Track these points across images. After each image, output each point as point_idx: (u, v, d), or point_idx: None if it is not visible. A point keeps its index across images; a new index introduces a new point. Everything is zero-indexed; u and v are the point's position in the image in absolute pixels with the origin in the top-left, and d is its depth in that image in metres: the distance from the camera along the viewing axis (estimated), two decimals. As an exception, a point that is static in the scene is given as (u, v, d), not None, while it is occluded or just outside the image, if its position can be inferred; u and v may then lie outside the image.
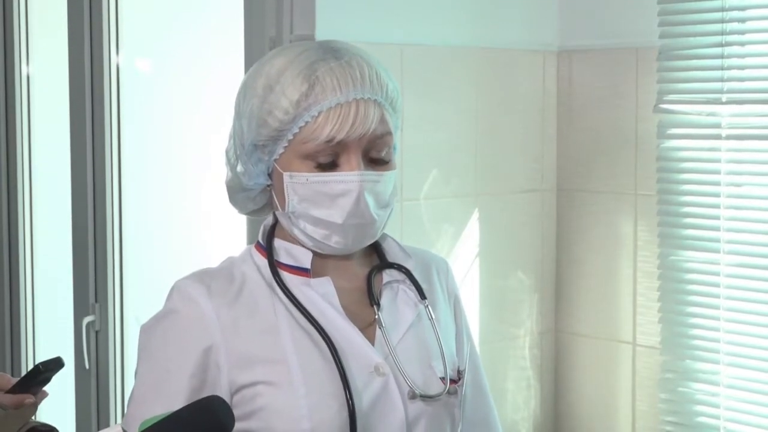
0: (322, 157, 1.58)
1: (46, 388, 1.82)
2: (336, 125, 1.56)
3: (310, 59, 1.59)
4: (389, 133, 1.61)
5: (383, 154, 1.61)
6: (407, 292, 1.69)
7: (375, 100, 1.59)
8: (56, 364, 1.78)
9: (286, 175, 1.60)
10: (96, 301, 3.28)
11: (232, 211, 1.76)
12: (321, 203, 1.59)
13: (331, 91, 1.56)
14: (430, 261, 1.79)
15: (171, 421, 1.30)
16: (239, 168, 1.65)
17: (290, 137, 1.58)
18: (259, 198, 1.70)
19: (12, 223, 3.59)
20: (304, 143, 1.58)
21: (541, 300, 3.06)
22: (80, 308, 3.30)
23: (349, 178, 1.57)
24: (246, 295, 1.63)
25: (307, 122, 1.57)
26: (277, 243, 1.66)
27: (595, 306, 3.00)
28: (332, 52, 1.61)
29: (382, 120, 1.60)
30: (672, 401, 2.81)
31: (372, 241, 1.66)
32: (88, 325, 3.27)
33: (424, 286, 1.70)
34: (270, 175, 1.64)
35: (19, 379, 1.79)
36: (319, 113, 1.56)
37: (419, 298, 1.69)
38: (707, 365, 2.75)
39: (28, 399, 1.75)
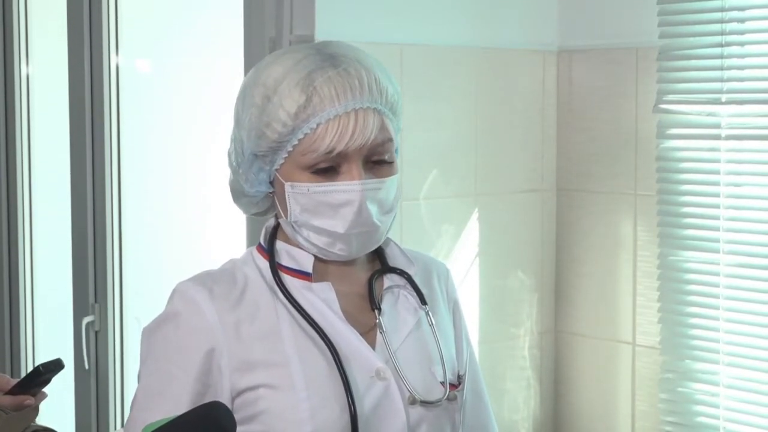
0: (321, 164, 1.56)
1: (45, 389, 1.81)
2: (335, 137, 1.54)
3: (308, 68, 1.56)
4: (390, 140, 1.60)
5: (386, 156, 1.60)
6: (408, 297, 1.68)
7: (374, 108, 1.57)
8: (56, 365, 1.78)
9: (287, 185, 1.59)
10: (96, 301, 3.28)
11: (232, 211, 1.76)
12: (323, 213, 1.57)
13: (329, 102, 1.54)
14: (431, 266, 1.78)
15: (173, 427, 1.30)
16: (241, 174, 1.64)
17: (290, 149, 1.57)
18: (262, 202, 1.69)
19: (12, 223, 3.59)
20: (304, 155, 1.56)
21: (541, 300, 3.06)
22: (80, 308, 3.30)
23: (350, 187, 1.56)
24: (248, 298, 1.62)
25: (306, 134, 1.55)
26: (279, 245, 1.66)
27: (595, 306, 3.00)
28: (330, 59, 1.58)
29: (382, 127, 1.58)
30: (672, 401, 2.81)
31: (376, 246, 1.66)
32: (87, 325, 3.27)
33: (424, 291, 1.69)
34: (272, 183, 1.63)
35: (18, 380, 1.79)
36: (318, 125, 1.55)
37: (420, 303, 1.68)
38: (707, 365, 2.75)
39: (28, 400, 1.74)
